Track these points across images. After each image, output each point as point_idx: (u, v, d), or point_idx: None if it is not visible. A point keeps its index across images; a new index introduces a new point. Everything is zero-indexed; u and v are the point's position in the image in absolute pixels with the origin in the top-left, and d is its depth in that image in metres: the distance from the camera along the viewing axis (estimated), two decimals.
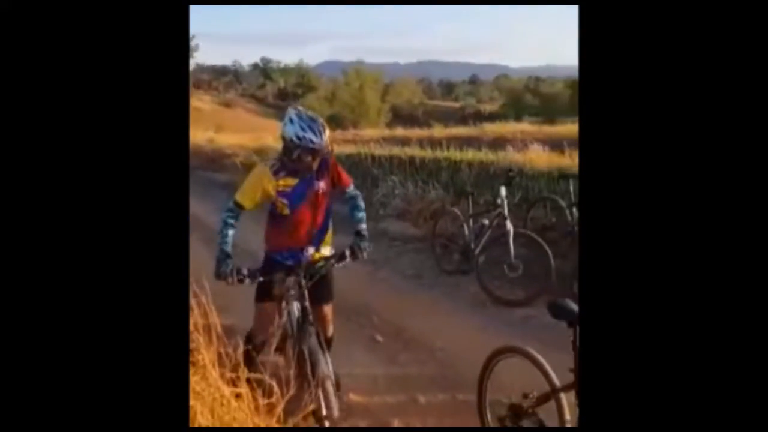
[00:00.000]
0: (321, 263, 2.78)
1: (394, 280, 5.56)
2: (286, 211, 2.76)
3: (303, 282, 2.66)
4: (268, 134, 17.94)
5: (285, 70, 71.45)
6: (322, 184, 2.79)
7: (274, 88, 68.14)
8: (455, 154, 7.75)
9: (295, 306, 2.72)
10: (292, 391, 1.95)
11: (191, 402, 1.70)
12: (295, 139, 2.57)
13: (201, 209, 7.75)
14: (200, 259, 2.85)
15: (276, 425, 1.95)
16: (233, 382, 1.92)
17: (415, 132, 17.37)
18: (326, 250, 2.92)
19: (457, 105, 56.52)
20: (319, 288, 2.79)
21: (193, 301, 2.13)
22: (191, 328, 1.96)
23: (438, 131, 16.75)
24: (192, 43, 21.65)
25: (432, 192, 7.12)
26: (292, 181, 2.72)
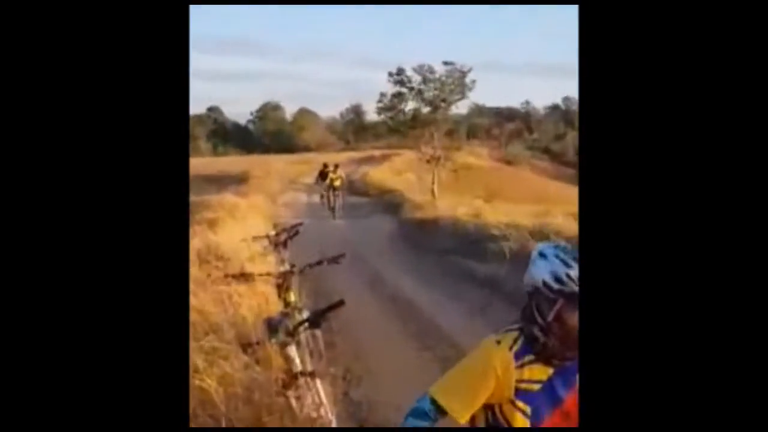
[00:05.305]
0: None
1: None
2: (525, 423, 1.62)
3: None
4: (558, 208, 12.53)
5: None
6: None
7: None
8: None
9: None
10: None
11: None
12: (552, 282, 1.57)
13: (448, 314, 6.48)
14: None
15: None
16: None
17: None
18: None
19: None
20: None
21: None
22: None
23: None
24: (466, 80, 19.49)
25: None
26: (543, 373, 1.60)
